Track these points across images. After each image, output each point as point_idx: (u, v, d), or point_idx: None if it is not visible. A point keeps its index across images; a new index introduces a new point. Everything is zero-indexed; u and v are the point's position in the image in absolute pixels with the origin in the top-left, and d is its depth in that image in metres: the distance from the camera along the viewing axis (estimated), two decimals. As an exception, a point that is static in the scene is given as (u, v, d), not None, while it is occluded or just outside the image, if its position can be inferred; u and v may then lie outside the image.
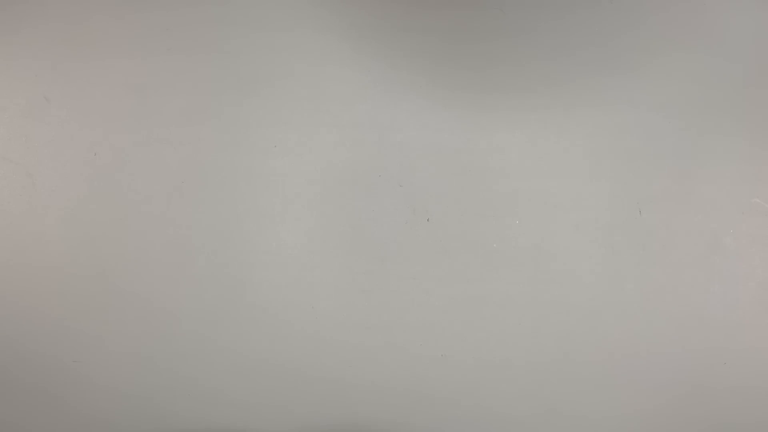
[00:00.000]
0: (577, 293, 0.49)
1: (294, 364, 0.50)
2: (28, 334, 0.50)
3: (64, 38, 0.50)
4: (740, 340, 0.48)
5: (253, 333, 0.50)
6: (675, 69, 0.49)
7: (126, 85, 0.50)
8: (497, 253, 0.49)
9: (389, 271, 0.49)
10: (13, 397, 0.50)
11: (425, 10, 0.50)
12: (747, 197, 0.48)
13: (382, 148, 0.50)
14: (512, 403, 0.50)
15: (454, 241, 0.49)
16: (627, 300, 0.48)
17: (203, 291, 0.49)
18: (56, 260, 0.49)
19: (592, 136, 0.49)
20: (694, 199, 0.48)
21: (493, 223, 0.49)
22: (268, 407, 0.50)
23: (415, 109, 0.50)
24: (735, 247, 0.48)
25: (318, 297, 0.49)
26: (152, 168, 0.50)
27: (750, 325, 0.48)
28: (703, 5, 0.49)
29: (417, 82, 0.50)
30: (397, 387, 0.50)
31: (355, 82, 0.50)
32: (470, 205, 0.49)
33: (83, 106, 0.50)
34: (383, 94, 0.50)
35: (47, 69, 0.50)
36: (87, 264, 0.49)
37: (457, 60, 0.50)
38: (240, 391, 0.50)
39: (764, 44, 0.49)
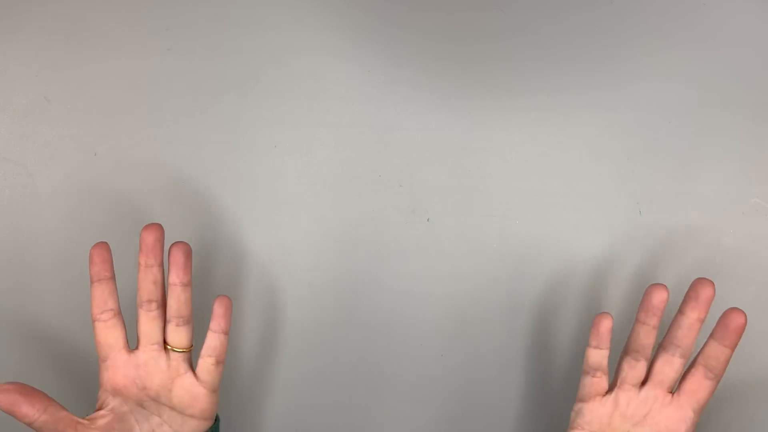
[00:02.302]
0: (577, 293, 0.49)
1: (293, 366, 0.50)
2: (29, 334, 0.50)
3: (64, 38, 0.50)
4: (740, 340, 0.48)
5: (253, 333, 0.50)
6: (675, 69, 0.49)
7: (126, 85, 0.50)
8: (497, 253, 0.49)
9: (389, 271, 0.49)
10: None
11: (425, 10, 0.50)
12: (747, 197, 0.48)
13: (382, 148, 0.50)
14: (511, 404, 0.50)
15: (454, 241, 0.49)
16: (627, 300, 0.48)
17: (203, 291, 0.50)
18: (56, 260, 0.49)
19: (592, 136, 0.49)
20: (694, 199, 0.48)
21: (493, 223, 0.49)
22: (269, 405, 0.50)
23: (415, 109, 0.50)
24: (735, 247, 0.48)
25: (318, 297, 0.49)
26: (152, 168, 0.50)
27: (750, 325, 0.48)
28: (703, 5, 0.49)
29: (417, 82, 0.50)
30: (399, 387, 0.50)
31: (355, 82, 0.50)
32: (470, 205, 0.49)
33: (83, 106, 0.50)
34: (383, 94, 0.50)
35: (47, 69, 0.50)
36: (87, 264, 0.49)
37: (457, 60, 0.50)
38: (239, 389, 0.50)
39: (764, 44, 0.49)
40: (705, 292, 0.39)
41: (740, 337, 0.39)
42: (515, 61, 0.49)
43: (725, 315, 0.39)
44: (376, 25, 0.50)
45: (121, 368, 0.40)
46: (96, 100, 0.50)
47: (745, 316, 0.39)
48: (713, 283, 0.40)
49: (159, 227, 0.40)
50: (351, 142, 0.50)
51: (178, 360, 0.41)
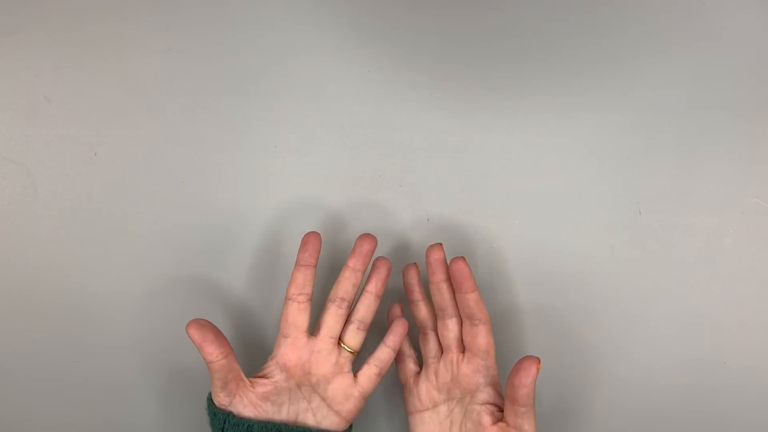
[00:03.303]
0: (577, 293, 0.49)
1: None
2: (29, 334, 0.50)
3: (64, 38, 0.50)
4: (740, 340, 0.48)
5: (252, 333, 0.50)
6: (675, 69, 0.49)
7: (126, 85, 0.50)
8: (497, 253, 0.49)
9: (389, 271, 0.49)
10: (14, 396, 0.50)
11: (425, 10, 0.50)
12: (747, 197, 0.48)
13: (382, 148, 0.50)
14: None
15: (454, 241, 0.49)
16: (627, 300, 0.48)
17: (203, 291, 0.50)
18: (56, 260, 0.49)
19: (592, 136, 0.49)
20: (694, 199, 0.48)
21: (493, 223, 0.49)
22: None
23: (415, 109, 0.50)
24: (735, 247, 0.48)
25: (317, 296, 0.49)
26: (152, 168, 0.50)
27: (750, 325, 0.48)
28: (703, 5, 0.49)
29: (417, 83, 0.50)
30: (398, 387, 0.50)
31: (355, 82, 0.50)
32: (470, 205, 0.49)
33: (83, 106, 0.50)
34: (383, 94, 0.50)
35: (47, 69, 0.50)
36: (87, 264, 0.49)
37: (457, 60, 0.50)
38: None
39: (764, 44, 0.49)
40: (434, 256, 0.43)
41: (470, 279, 0.41)
42: (515, 61, 0.49)
43: (450, 268, 0.42)
44: (376, 25, 0.50)
45: (298, 348, 0.43)
46: (96, 100, 0.50)
47: (464, 259, 0.41)
48: (441, 245, 0.43)
49: (374, 239, 0.44)
50: (351, 142, 0.50)
51: (345, 358, 0.44)
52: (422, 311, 0.45)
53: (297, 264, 0.43)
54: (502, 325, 0.49)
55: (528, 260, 0.49)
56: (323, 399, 0.43)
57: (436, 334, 0.44)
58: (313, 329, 0.44)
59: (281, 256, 0.50)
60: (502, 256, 0.49)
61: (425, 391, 0.44)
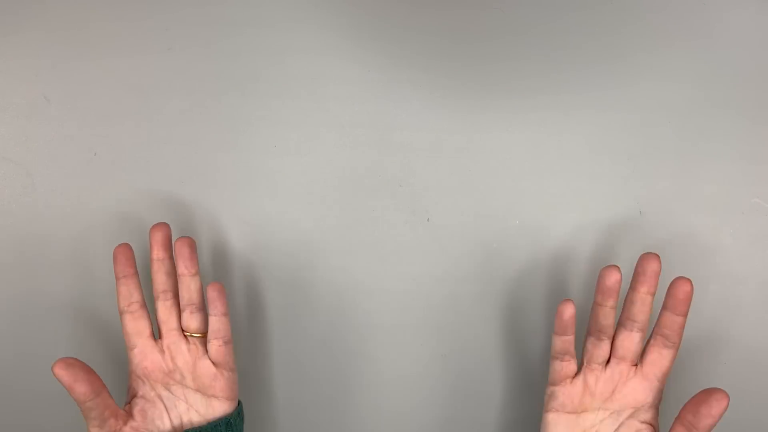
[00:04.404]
0: (577, 294, 0.49)
1: (292, 366, 0.50)
2: (28, 334, 0.50)
3: (64, 38, 0.50)
4: (740, 340, 0.48)
5: (252, 333, 0.50)
6: (675, 68, 0.49)
7: (126, 85, 0.50)
8: (497, 253, 0.49)
9: (389, 271, 0.49)
10: (14, 397, 0.50)
11: (425, 10, 0.50)
12: (747, 197, 0.48)
13: (382, 148, 0.50)
14: (511, 404, 0.50)
15: (454, 241, 0.49)
16: (627, 300, 0.48)
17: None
18: (56, 260, 0.49)
19: (592, 136, 0.49)
20: (694, 199, 0.48)
21: (493, 223, 0.49)
22: (270, 405, 0.51)
23: (415, 108, 0.50)
24: (735, 247, 0.48)
25: (318, 297, 0.49)
26: (152, 168, 0.50)
27: (750, 325, 0.48)
28: (703, 5, 0.49)
29: (417, 82, 0.50)
30: (398, 387, 0.50)
31: (355, 82, 0.50)
32: (470, 205, 0.49)
33: (83, 106, 0.50)
34: (383, 94, 0.50)
35: (47, 69, 0.50)
36: (87, 264, 0.49)
37: (457, 59, 0.50)
38: (242, 388, 0.50)
39: (764, 44, 0.49)
40: (651, 266, 0.40)
41: (689, 304, 0.40)
42: (515, 60, 0.49)
43: (672, 285, 0.40)
44: (376, 25, 0.50)
45: (149, 354, 0.44)
46: (96, 100, 0.50)
47: (691, 283, 0.40)
48: (658, 257, 0.41)
49: (166, 225, 0.44)
50: (351, 142, 0.50)
51: (196, 344, 0.44)
52: (610, 318, 0.41)
53: (117, 278, 0.43)
54: (502, 324, 0.49)
55: (528, 260, 0.49)
56: (196, 390, 0.44)
57: (610, 343, 0.42)
58: (157, 333, 0.45)
59: (281, 255, 0.50)
60: (502, 256, 0.49)
61: (578, 394, 0.42)
